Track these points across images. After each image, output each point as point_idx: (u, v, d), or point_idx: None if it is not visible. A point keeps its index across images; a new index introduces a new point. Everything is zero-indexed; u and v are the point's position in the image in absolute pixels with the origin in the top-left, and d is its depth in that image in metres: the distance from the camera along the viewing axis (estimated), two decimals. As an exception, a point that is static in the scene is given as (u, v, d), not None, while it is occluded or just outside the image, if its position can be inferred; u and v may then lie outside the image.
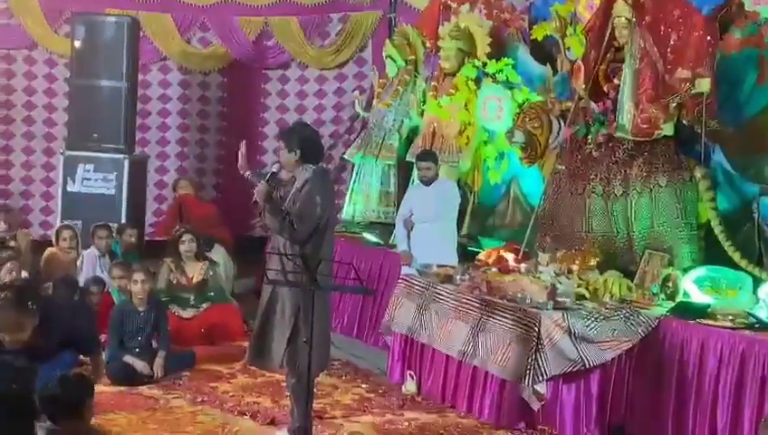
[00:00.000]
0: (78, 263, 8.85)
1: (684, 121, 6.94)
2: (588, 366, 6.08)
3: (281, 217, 5.75)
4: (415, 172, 9.03)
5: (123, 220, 9.92)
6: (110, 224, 9.32)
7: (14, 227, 9.40)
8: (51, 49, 11.70)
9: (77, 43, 10.28)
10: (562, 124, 7.89)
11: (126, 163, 10.23)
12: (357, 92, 11.04)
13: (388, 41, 10.37)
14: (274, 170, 5.96)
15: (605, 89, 7.33)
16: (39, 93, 11.80)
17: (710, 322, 6.01)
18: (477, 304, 6.65)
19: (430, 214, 7.89)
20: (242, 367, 7.62)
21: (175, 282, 8.70)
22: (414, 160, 8.99)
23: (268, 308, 5.92)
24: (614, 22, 7.16)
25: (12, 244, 8.82)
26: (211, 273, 8.94)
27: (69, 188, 10.23)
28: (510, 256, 7.50)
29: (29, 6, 11.49)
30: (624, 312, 6.26)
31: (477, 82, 9.00)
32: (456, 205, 8.17)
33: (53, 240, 9.23)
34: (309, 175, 5.83)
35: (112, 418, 6.30)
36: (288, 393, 6.17)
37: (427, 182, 8.06)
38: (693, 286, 6.51)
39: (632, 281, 6.81)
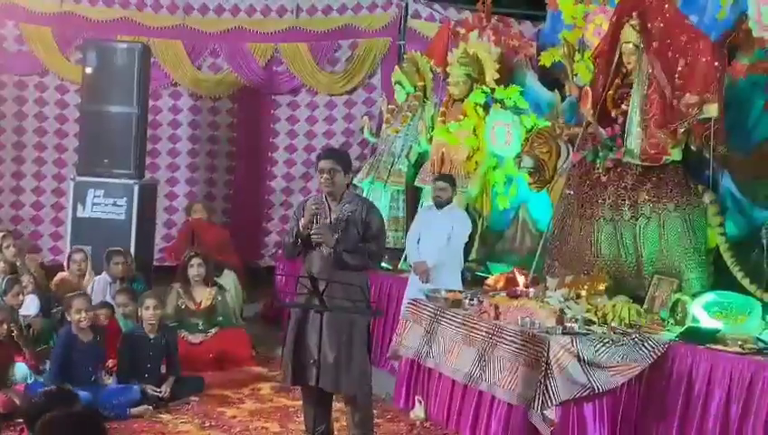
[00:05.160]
0: (89, 287, 8.85)
1: (692, 147, 6.95)
2: (597, 391, 6.04)
3: (361, 250, 5.61)
4: (423, 197, 9.04)
5: (133, 245, 9.87)
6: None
7: (24, 252, 9.41)
8: (62, 75, 11.74)
9: (88, 70, 10.32)
10: (571, 149, 7.90)
11: (136, 188, 10.23)
12: (366, 118, 11.12)
13: (397, 67, 10.44)
14: (316, 210, 5.63)
15: (613, 114, 7.35)
16: (50, 120, 11.84)
17: (719, 347, 5.99)
18: (485, 329, 6.63)
19: (438, 238, 7.86)
20: (250, 392, 7.63)
21: (183, 307, 8.70)
22: (422, 186, 9.01)
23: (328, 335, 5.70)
24: (622, 48, 7.20)
25: (25, 271, 8.83)
26: (219, 298, 8.94)
27: (79, 214, 10.21)
28: (518, 281, 7.49)
29: (41, 33, 11.56)
30: (633, 337, 6.23)
31: (486, 107, 9.04)
32: (465, 234, 8.13)
33: (65, 264, 9.25)
34: (353, 195, 5.79)
35: (120, 442, 6.30)
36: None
37: (439, 205, 8.02)
38: (702, 312, 6.48)
39: (641, 306, 6.79)
